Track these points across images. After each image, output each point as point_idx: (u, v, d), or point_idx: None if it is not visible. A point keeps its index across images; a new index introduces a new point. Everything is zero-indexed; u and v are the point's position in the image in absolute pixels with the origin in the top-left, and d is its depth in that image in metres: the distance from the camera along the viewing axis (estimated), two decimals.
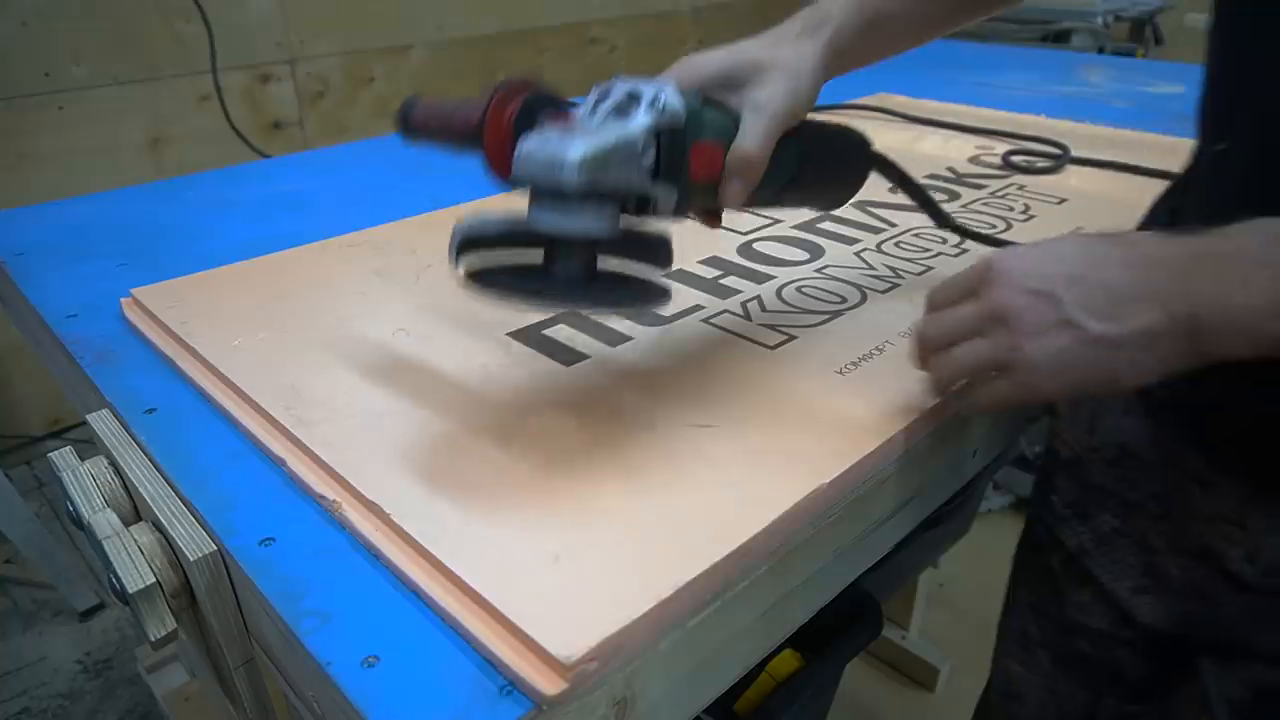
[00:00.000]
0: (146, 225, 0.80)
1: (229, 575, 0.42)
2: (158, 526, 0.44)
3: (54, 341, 0.61)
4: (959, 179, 0.89)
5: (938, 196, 0.84)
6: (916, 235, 0.75)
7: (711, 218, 0.53)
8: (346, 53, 2.15)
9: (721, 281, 0.67)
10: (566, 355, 0.55)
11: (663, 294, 0.44)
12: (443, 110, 0.48)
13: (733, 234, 0.75)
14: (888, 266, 0.69)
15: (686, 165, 0.45)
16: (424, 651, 0.35)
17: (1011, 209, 0.81)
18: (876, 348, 0.56)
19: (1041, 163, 0.92)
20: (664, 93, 0.43)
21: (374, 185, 0.90)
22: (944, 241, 0.74)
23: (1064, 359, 0.39)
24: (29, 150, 1.75)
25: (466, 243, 0.42)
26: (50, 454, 0.50)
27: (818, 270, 0.69)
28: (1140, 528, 0.56)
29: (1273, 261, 0.35)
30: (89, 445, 0.51)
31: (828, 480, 0.44)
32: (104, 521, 0.45)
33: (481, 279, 0.42)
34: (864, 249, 0.73)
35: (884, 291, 0.65)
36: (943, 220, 0.67)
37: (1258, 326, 0.35)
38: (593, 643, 0.34)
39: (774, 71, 0.48)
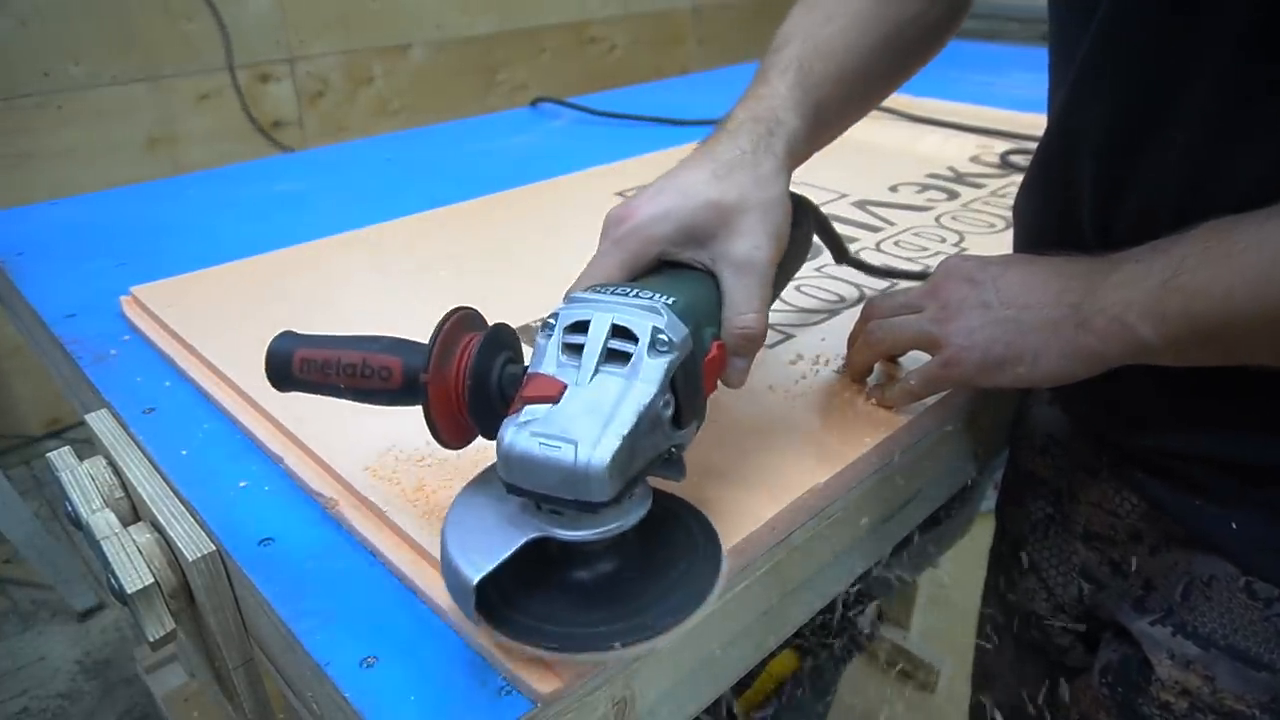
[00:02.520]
0: (146, 224, 0.80)
1: (228, 575, 0.42)
2: (156, 526, 0.44)
3: (53, 341, 0.61)
4: (959, 178, 0.89)
5: (938, 196, 0.84)
6: (916, 235, 0.75)
7: None
8: (346, 52, 2.15)
9: None
10: None
11: (714, 570, 0.35)
12: (341, 357, 0.37)
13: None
14: (886, 266, 0.69)
15: (703, 388, 0.37)
16: (423, 651, 0.35)
17: (1011, 209, 0.81)
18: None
19: None
20: (663, 323, 0.34)
21: (373, 184, 0.90)
22: (943, 241, 0.74)
23: (975, 336, 0.44)
24: (29, 150, 1.75)
25: (482, 591, 0.31)
26: (49, 454, 0.50)
27: (816, 269, 0.69)
28: (1064, 513, 0.58)
29: (1151, 272, 0.39)
30: (88, 445, 0.51)
31: (825, 479, 0.44)
32: (102, 521, 0.45)
33: (518, 630, 0.33)
34: (863, 248, 0.72)
35: (883, 292, 0.65)
36: (843, 256, 0.62)
37: (1130, 324, 0.39)
38: None
39: (745, 215, 0.40)
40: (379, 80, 2.22)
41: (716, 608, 0.40)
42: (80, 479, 0.48)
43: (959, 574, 1.60)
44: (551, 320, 0.36)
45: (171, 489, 0.45)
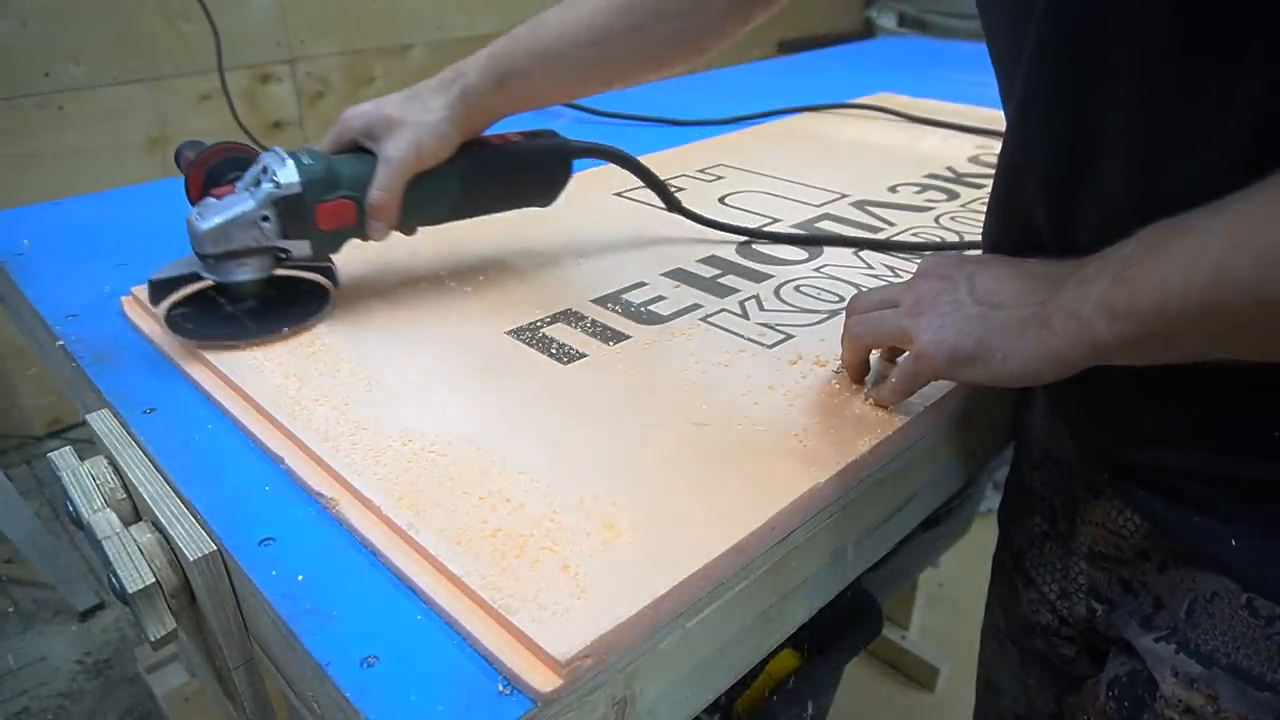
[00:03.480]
0: (147, 224, 0.80)
1: (228, 575, 0.42)
2: (157, 526, 0.44)
3: (54, 341, 0.61)
4: (959, 179, 0.89)
5: (938, 196, 0.84)
6: (915, 235, 0.75)
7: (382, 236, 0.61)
8: (346, 53, 2.15)
9: (720, 280, 0.67)
10: (564, 353, 0.55)
11: (321, 296, 0.60)
12: (186, 155, 0.61)
13: (733, 234, 0.75)
14: (886, 266, 0.69)
15: (313, 220, 0.55)
16: (423, 651, 0.35)
17: None
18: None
19: None
20: (276, 167, 0.54)
21: None
22: (942, 241, 0.74)
23: (944, 331, 0.46)
24: (30, 150, 1.75)
25: (156, 286, 0.56)
26: (50, 454, 0.50)
27: (816, 269, 0.69)
28: (1060, 531, 0.58)
29: (1106, 269, 0.40)
30: (89, 445, 0.51)
31: (824, 479, 0.44)
32: (103, 521, 0.45)
33: (177, 324, 0.56)
34: (862, 248, 0.72)
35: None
36: (674, 205, 0.74)
37: (1086, 321, 0.40)
38: (588, 640, 0.34)
39: (401, 127, 0.57)
40: (379, 81, 2.22)
41: (717, 606, 0.40)
42: (81, 479, 0.48)
43: (959, 574, 1.61)
44: (258, 160, 0.55)
45: (172, 489, 0.45)
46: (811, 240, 0.73)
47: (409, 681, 0.34)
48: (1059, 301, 0.42)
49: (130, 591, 0.42)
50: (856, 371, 0.53)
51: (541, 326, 0.59)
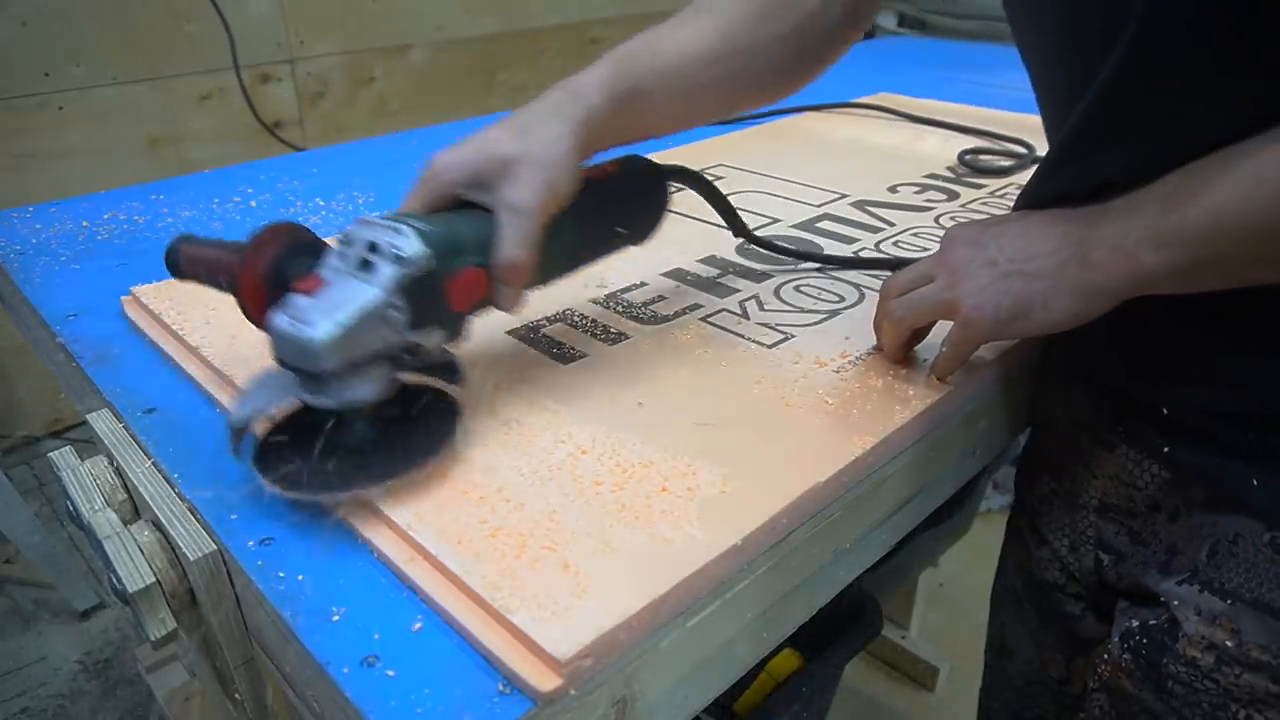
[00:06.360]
0: (147, 224, 0.80)
1: (229, 575, 0.42)
2: (158, 526, 0.44)
3: (54, 341, 0.61)
4: (958, 179, 0.89)
5: (938, 196, 0.84)
6: (915, 235, 0.75)
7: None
8: (346, 53, 2.15)
9: (720, 280, 0.67)
10: (565, 353, 0.55)
11: (445, 405, 0.46)
12: (206, 255, 0.46)
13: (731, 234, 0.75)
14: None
15: (445, 303, 0.43)
16: (423, 651, 0.35)
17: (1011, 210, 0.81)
18: (874, 347, 0.56)
19: (1002, 162, 0.92)
20: (402, 241, 0.41)
21: (373, 185, 0.90)
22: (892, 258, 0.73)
23: (985, 294, 0.47)
24: (29, 150, 1.75)
25: (239, 430, 0.42)
26: (50, 454, 0.50)
27: (816, 269, 0.69)
28: (1066, 488, 0.60)
29: (1150, 199, 0.42)
30: (89, 445, 0.51)
31: (824, 479, 0.44)
32: (104, 521, 0.45)
33: (278, 471, 0.41)
34: (862, 249, 0.73)
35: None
36: (740, 230, 0.66)
37: (1130, 251, 0.42)
38: (587, 640, 0.34)
39: (523, 166, 0.45)
40: (379, 81, 2.22)
41: (717, 606, 0.40)
42: (82, 478, 0.48)
43: (959, 574, 1.61)
44: (340, 236, 0.43)
45: (173, 489, 0.45)
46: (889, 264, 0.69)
47: (409, 681, 0.34)
48: (1099, 236, 0.43)
49: (130, 591, 0.42)
50: (901, 354, 0.54)
51: (542, 326, 0.59)
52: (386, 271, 0.40)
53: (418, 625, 0.37)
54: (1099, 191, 0.46)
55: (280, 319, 0.39)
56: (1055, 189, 0.50)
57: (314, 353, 0.38)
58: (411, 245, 0.41)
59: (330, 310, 0.39)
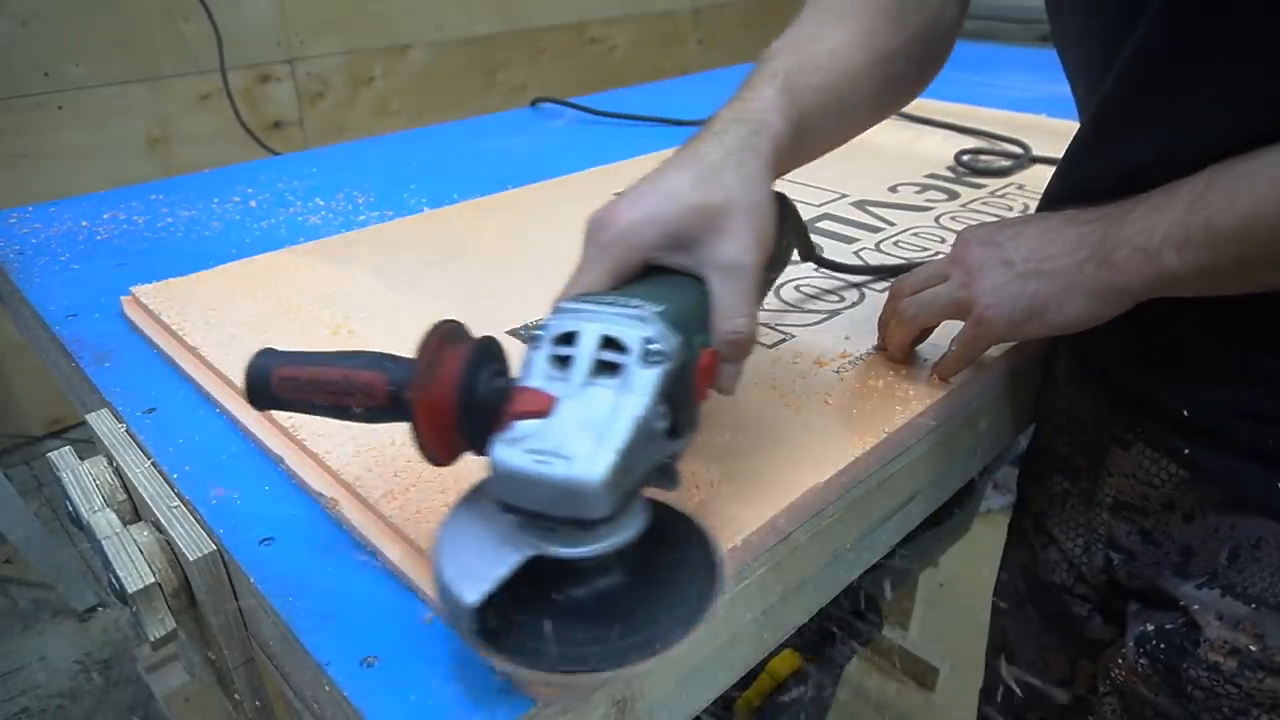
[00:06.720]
0: (146, 224, 0.80)
1: (229, 575, 0.42)
2: (157, 526, 0.44)
3: (54, 341, 0.61)
4: (959, 179, 0.89)
5: (937, 196, 0.84)
6: (915, 235, 0.75)
7: None
8: (346, 53, 2.15)
9: None
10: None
11: (694, 534, 0.35)
12: (322, 376, 0.35)
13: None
14: (863, 263, 0.69)
15: (692, 394, 0.36)
16: (423, 651, 0.35)
17: (1010, 208, 0.81)
18: (874, 348, 0.56)
19: (1001, 162, 0.92)
20: (654, 332, 0.33)
21: (373, 185, 0.90)
22: (942, 241, 0.74)
23: (1001, 292, 0.47)
24: (29, 150, 1.75)
25: (481, 614, 0.30)
26: (50, 454, 0.50)
27: (815, 269, 0.69)
28: (1082, 488, 0.60)
29: (1176, 198, 0.41)
30: (89, 445, 0.51)
31: (824, 479, 0.44)
32: (103, 521, 0.45)
33: (515, 652, 0.31)
34: (862, 248, 0.72)
35: (882, 291, 0.65)
36: (814, 258, 0.62)
37: (1154, 252, 0.41)
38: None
39: (731, 218, 0.39)
40: (379, 81, 2.22)
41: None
42: (81, 479, 0.48)
43: (959, 574, 1.61)
44: (539, 331, 0.35)
45: (172, 489, 0.45)
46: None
47: (409, 681, 0.34)
48: (1121, 236, 0.43)
49: (130, 592, 0.42)
50: (905, 353, 0.54)
51: (541, 326, 0.59)
52: (643, 373, 0.32)
53: (418, 626, 0.37)
54: (1127, 180, 0.45)
55: (513, 455, 0.30)
56: (1084, 177, 0.50)
57: (590, 494, 0.29)
58: (665, 335, 0.33)
59: (590, 436, 0.30)
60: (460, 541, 0.32)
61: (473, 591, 0.30)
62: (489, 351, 0.35)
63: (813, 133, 0.47)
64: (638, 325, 0.34)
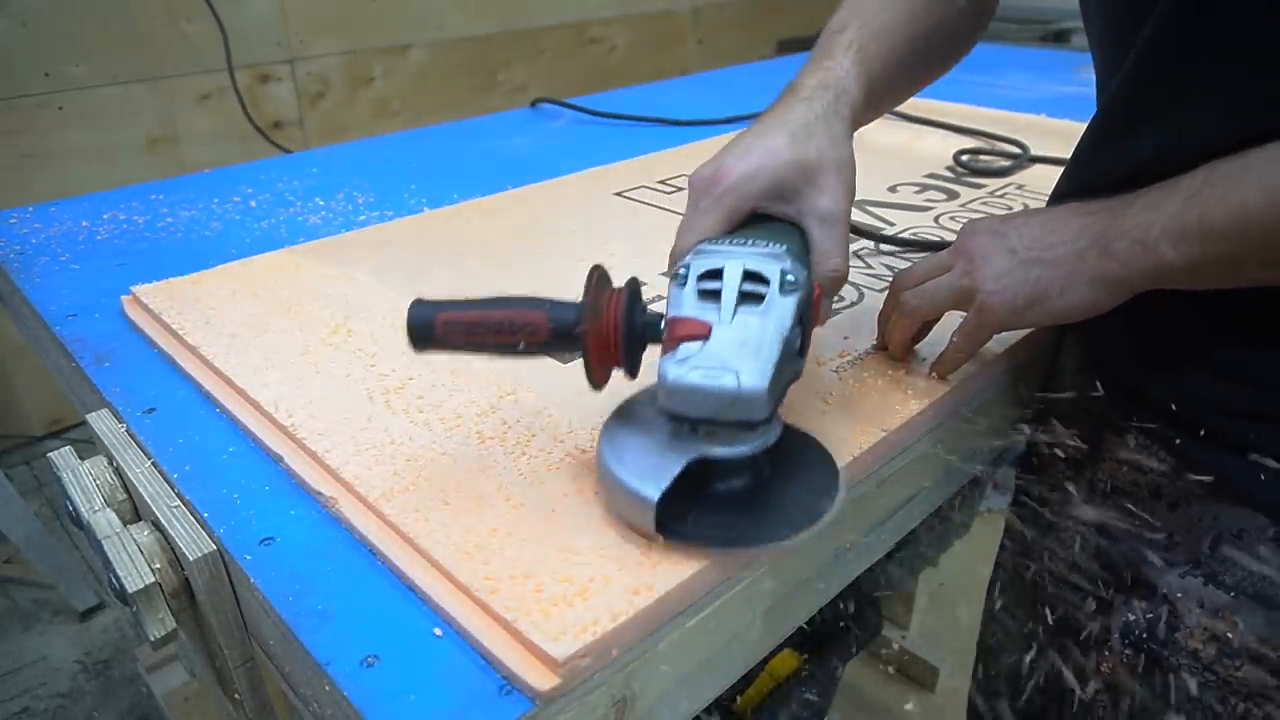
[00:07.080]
0: (146, 224, 0.80)
1: (229, 575, 0.42)
2: (157, 526, 0.44)
3: (54, 341, 0.61)
4: (958, 179, 0.89)
5: (937, 196, 0.84)
6: (914, 235, 0.75)
7: None
8: (346, 53, 2.15)
9: None
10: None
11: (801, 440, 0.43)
12: (485, 318, 0.40)
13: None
14: (885, 266, 0.69)
15: (811, 324, 0.42)
16: (423, 651, 0.35)
17: (1009, 208, 0.81)
18: (873, 346, 0.56)
19: (1001, 163, 0.92)
20: (789, 266, 0.39)
21: (373, 185, 0.90)
22: (942, 241, 0.74)
23: (1004, 280, 0.47)
24: (29, 150, 1.75)
25: (662, 509, 0.37)
26: (50, 454, 0.50)
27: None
28: (1082, 475, 0.60)
29: (1174, 193, 0.42)
30: (89, 445, 0.51)
31: None
32: (103, 521, 0.45)
33: (686, 536, 0.38)
34: (862, 248, 0.73)
35: (881, 291, 0.65)
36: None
37: (1151, 244, 0.42)
38: (585, 640, 0.34)
39: (826, 173, 0.45)
40: (379, 81, 2.23)
41: (717, 606, 0.40)
42: (81, 478, 0.48)
43: (959, 574, 1.60)
44: (683, 270, 0.41)
45: (172, 488, 0.45)
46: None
47: (409, 681, 0.34)
48: (1121, 227, 0.44)
49: (130, 591, 0.42)
50: (906, 349, 0.54)
51: None
52: (783, 300, 0.38)
53: (418, 626, 0.37)
54: (1129, 179, 0.46)
55: (686, 373, 0.36)
56: (1090, 174, 0.51)
57: (757, 400, 0.36)
58: (797, 268, 0.40)
59: (749, 352, 0.37)
60: (625, 452, 0.39)
61: (654, 489, 0.37)
62: (637, 291, 0.41)
63: (879, 98, 0.53)
64: (774, 260, 0.40)
